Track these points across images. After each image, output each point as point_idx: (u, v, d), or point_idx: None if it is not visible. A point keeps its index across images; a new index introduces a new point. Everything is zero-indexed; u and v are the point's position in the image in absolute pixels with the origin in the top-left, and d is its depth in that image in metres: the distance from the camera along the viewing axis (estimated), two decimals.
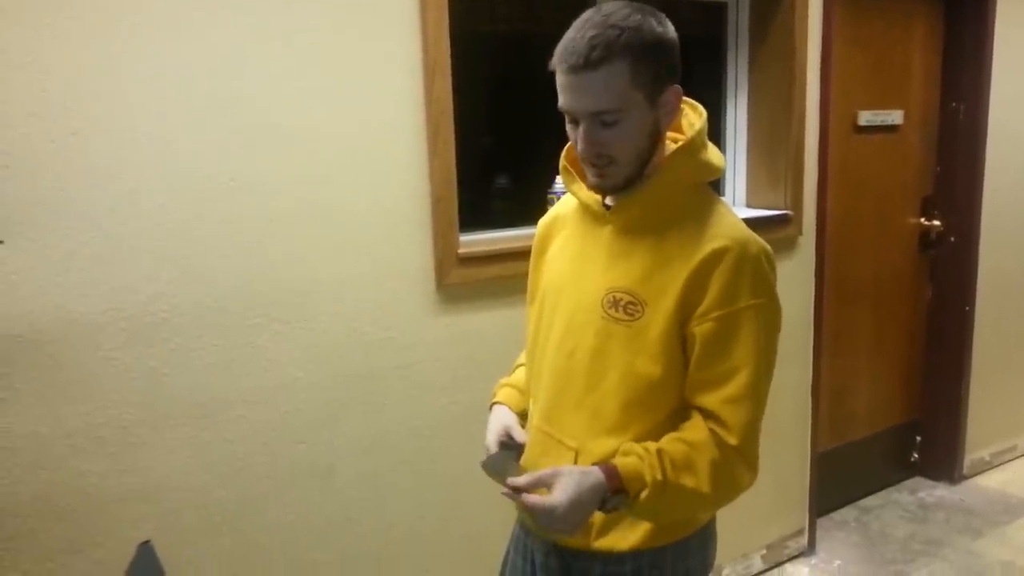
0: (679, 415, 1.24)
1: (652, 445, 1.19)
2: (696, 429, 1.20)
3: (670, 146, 1.27)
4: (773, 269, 1.24)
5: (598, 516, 1.24)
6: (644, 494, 1.15)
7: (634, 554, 1.28)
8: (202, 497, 1.78)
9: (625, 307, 1.22)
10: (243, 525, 1.84)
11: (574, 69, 1.13)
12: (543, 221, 1.46)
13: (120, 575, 1.44)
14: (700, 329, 1.18)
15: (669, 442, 1.19)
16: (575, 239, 1.36)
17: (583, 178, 1.31)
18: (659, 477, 1.15)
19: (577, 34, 1.14)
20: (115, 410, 1.66)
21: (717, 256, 1.18)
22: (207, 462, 1.78)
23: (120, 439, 1.67)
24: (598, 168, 1.21)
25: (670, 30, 1.19)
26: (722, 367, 1.19)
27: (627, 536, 1.26)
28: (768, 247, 1.24)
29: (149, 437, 1.70)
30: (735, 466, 1.19)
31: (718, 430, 1.19)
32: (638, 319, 1.21)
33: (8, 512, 1.58)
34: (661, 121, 1.21)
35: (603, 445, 1.24)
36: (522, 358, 1.52)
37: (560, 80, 1.17)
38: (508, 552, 1.50)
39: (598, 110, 1.15)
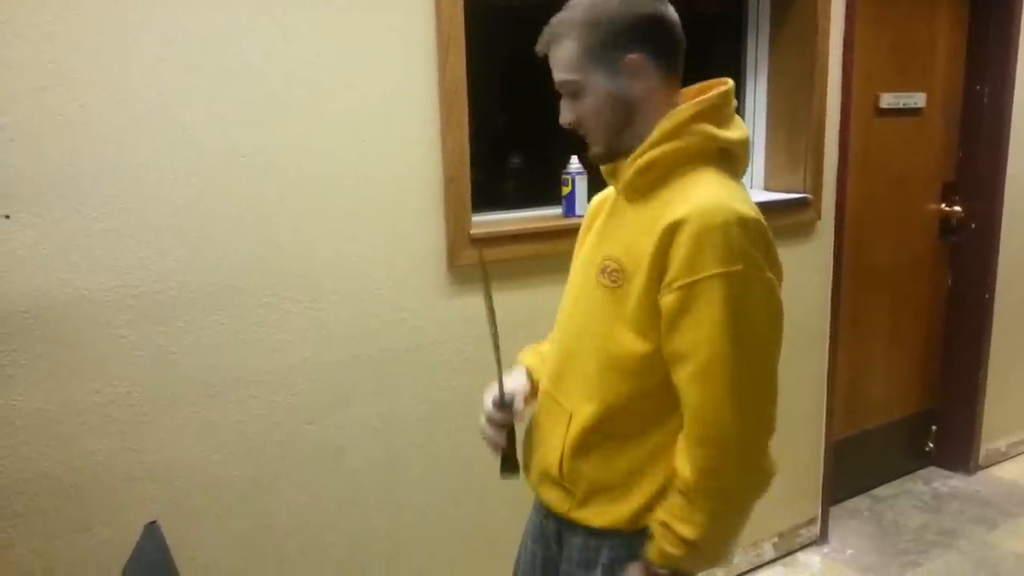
0: (662, 392, 1.21)
1: (659, 515, 1.22)
2: (680, 459, 1.20)
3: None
4: (755, 239, 1.14)
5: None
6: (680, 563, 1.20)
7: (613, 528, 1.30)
8: (211, 477, 1.77)
9: (611, 274, 1.24)
10: (252, 506, 1.83)
11: (541, 48, 1.26)
12: (593, 203, 1.48)
13: (127, 554, 1.43)
14: (665, 300, 1.16)
15: (671, 498, 1.21)
16: (603, 215, 1.39)
17: None
18: (674, 551, 1.19)
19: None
20: (123, 388, 1.64)
21: (676, 226, 1.13)
22: (216, 442, 1.76)
23: (128, 418, 1.66)
24: (579, 137, 1.30)
25: (646, 4, 1.22)
26: (685, 340, 1.14)
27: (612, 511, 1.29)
28: (749, 215, 1.14)
29: (158, 416, 1.69)
30: (716, 465, 1.16)
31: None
32: (620, 286, 1.23)
33: (15, 490, 1.57)
34: (632, 90, 1.23)
35: (588, 408, 1.26)
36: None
37: None
38: (527, 526, 1.52)
39: (560, 81, 1.25)
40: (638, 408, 1.23)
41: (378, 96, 1.85)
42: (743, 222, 1.13)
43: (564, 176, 2.21)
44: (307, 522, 1.91)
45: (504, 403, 1.35)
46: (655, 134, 1.23)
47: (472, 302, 2.05)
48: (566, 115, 1.28)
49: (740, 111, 2.73)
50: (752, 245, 1.13)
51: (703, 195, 1.16)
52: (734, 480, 1.17)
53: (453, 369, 2.05)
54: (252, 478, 1.82)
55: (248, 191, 1.73)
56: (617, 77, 1.22)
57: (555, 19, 1.24)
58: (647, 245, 1.17)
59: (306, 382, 1.86)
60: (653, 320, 1.18)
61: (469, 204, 2.00)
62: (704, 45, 2.61)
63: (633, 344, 1.20)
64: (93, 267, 1.59)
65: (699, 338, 1.13)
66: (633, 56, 1.21)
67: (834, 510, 3.12)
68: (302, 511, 1.90)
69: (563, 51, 1.23)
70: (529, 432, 1.43)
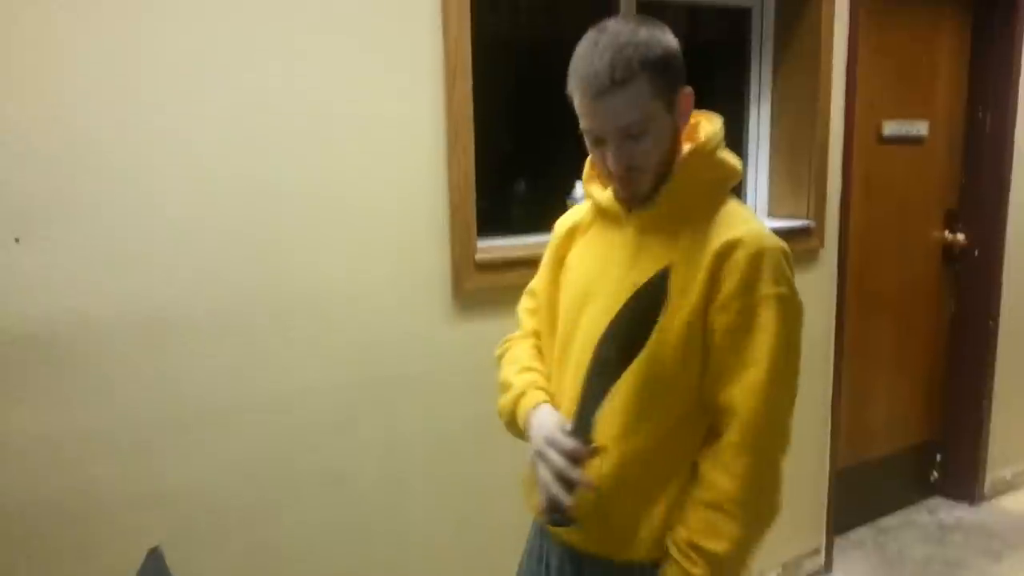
0: (693, 419, 1.23)
1: (682, 535, 1.19)
2: (714, 471, 1.19)
3: (686, 147, 1.30)
4: (790, 267, 1.23)
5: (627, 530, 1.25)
6: None
7: (653, 562, 1.25)
8: (215, 503, 1.76)
9: None
10: (256, 532, 1.81)
11: (600, 93, 1.16)
12: (561, 230, 1.44)
13: None
14: (720, 320, 1.18)
15: (692, 515, 1.19)
16: (595, 244, 1.36)
17: (603, 183, 1.35)
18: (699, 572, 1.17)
19: (593, 58, 1.16)
20: (128, 413, 1.64)
21: (731, 247, 1.18)
22: (220, 467, 1.75)
23: (133, 443, 1.65)
24: (628, 180, 1.23)
25: (672, 37, 1.22)
26: (742, 357, 1.18)
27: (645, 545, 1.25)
28: (786, 246, 1.24)
29: (162, 442, 1.68)
30: (757, 475, 1.18)
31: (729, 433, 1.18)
32: (661, 314, 1.21)
33: (18, 515, 1.56)
34: (678, 123, 1.25)
35: (624, 441, 1.24)
36: (524, 357, 1.43)
37: (583, 105, 1.19)
38: (523, 559, 1.49)
39: (627, 124, 1.17)
40: (674, 437, 1.23)
41: (386, 124, 1.87)
42: (783, 250, 1.22)
43: (568, 202, 2.22)
44: (310, 548, 1.89)
45: (586, 432, 1.19)
46: (689, 164, 1.25)
47: (477, 328, 2.05)
48: (625, 159, 1.19)
49: (744, 138, 2.76)
50: (791, 272, 1.22)
51: (746, 222, 1.23)
52: (769, 493, 1.20)
53: (458, 395, 2.05)
54: (255, 503, 1.81)
55: (256, 216, 1.74)
56: (674, 112, 1.22)
57: (609, 61, 1.14)
58: (694, 268, 1.19)
59: (311, 407, 1.85)
60: (698, 342, 1.20)
61: (474, 230, 2.01)
62: (709, 73, 2.63)
63: (673, 368, 1.20)
64: (100, 292, 1.59)
65: (757, 354, 1.17)
66: (687, 90, 1.23)
67: (838, 540, 3.09)
68: (305, 537, 1.88)
69: (631, 95, 1.15)
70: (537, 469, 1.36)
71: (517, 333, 1.51)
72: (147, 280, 1.63)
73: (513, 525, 1.65)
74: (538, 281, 1.49)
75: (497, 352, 1.51)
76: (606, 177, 1.28)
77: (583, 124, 1.22)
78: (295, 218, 1.78)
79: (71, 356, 1.58)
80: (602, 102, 1.16)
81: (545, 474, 1.20)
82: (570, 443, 1.19)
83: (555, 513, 1.20)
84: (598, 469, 1.24)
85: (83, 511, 1.62)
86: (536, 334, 1.47)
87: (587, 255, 1.37)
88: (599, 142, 1.22)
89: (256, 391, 1.78)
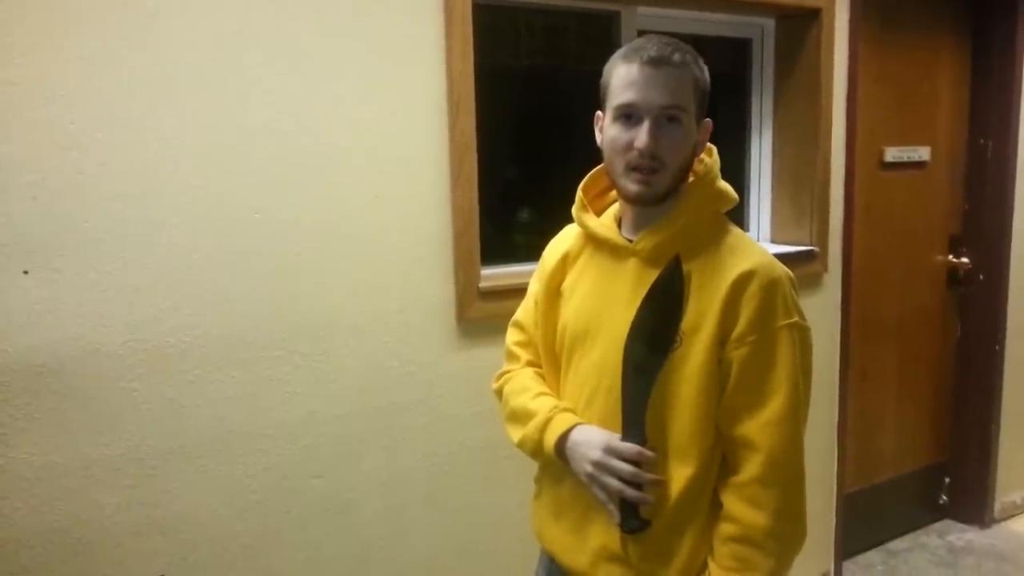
0: (718, 446, 1.23)
1: (716, 573, 1.20)
2: (744, 507, 1.20)
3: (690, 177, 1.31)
4: (797, 293, 1.25)
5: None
6: None
7: None
8: (218, 531, 1.76)
9: None
10: (259, 560, 1.82)
11: (655, 62, 1.18)
12: (551, 260, 1.42)
13: None
14: (737, 353, 1.19)
15: (724, 552, 1.21)
16: (591, 275, 1.34)
17: (597, 212, 1.35)
18: None
19: (651, 41, 1.21)
20: (133, 442, 1.65)
21: (744, 280, 1.19)
22: (224, 495, 1.76)
23: (137, 471, 1.66)
24: (644, 173, 1.20)
25: None
26: (760, 389, 1.19)
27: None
28: (791, 273, 1.26)
29: (166, 469, 1.69)
30: (787, 506, 1.20)
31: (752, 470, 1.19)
32: (679, 346, 1.21)
33: (23, 544, 1.57)
34: (698, 149, 1.27)
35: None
36: (532, 385, 1.41)
37: (631, 75, 1.19)
38: None
39: (672, 104, 1.18)
40: (704, 470, 1.22)
41: (391, 155, 1.89)
42: (790, 277, 1.24)
43: None
44: None
45: (640, 433, 1.21)
46: (694, 192, 1.26)
47: (481, 355, 2.06)
48: (653, 142, 1.18)
49: (746, 166, 2.78)
50: (797, 298, 1.23)
51: (756, 251, 1.24)
52: (797, 521, 1.22)
53: (462, 422, 2.05)
54: (259, 532, 1.81)
55: (261, 245, 1.76)
56: (697, 132, 1.25)
57: (670, 43, 1.20)
58: (709, 299, 1.19)
59: (315, 435, 1.86)
60: (715, 375, 1.20)
61: (478, 258, 2.03)
62: (711, 104, 2.65)
63: (697, 400, 1.20)
64: (107, 321, 1.61)
65: (774, 386, 1.18)
66: (709, 120, 1.27)
67: (847, 565, 3.07)
68: (308, 565, 1.88)
69: (683, 77, 1.19)
70: (562, 504, 1.35)
71: (514, 366, 1.48)
72: (153, 309, 1.65)
73: (518, 555, 1.65)
74: (525, 314, 1.47)
75: (495, 387, 1.49)
76: (623, 171, 1.22)
77: (621, 100, 1.19)
78: (300, 246, 1.80)
79: (77, 385, 1.59)
80: (656, 72, 1.17)
81: (613, 483, 1.21)
82: (632, 447, 1.20)
83: (633, 520, 1.21)
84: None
85: (88, 540, 1.62)
86: (532, 365, 1.45)
87: (584, 285, 1.34)
88: (632, 121, 1.20)
89: (260, 419, 1.79)
